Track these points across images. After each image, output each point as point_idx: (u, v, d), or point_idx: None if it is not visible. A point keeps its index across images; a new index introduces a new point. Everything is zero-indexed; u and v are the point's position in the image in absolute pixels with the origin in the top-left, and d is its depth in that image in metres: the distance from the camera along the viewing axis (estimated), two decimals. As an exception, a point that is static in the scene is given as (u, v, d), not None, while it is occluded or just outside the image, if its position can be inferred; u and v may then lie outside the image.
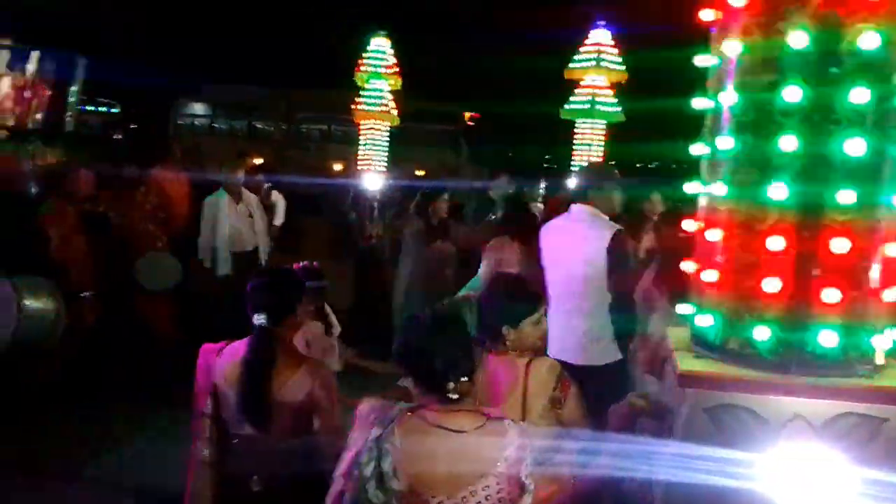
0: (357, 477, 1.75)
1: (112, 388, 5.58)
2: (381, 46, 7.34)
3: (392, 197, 7.08)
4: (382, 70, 7.28)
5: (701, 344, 2.34)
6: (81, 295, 5.46)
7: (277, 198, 7.43)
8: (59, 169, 6.43)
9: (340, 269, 6.39)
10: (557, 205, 5.42)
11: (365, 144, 7.75)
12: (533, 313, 2.37)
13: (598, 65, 7.15)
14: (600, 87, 7.31)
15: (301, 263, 3.53)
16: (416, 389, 1.91)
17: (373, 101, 7.53)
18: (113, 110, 20.71)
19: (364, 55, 7.41)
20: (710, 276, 2.28)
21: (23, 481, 4.08)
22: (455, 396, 1.81)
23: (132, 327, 6.28)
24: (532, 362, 2.32)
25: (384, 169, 7.52)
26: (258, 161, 8.29)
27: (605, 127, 7.53)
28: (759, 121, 2.13)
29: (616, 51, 7.23)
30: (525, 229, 4.51)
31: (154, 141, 11.74)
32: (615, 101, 7.41)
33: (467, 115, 15.95)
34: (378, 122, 7.60)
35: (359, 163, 7.74)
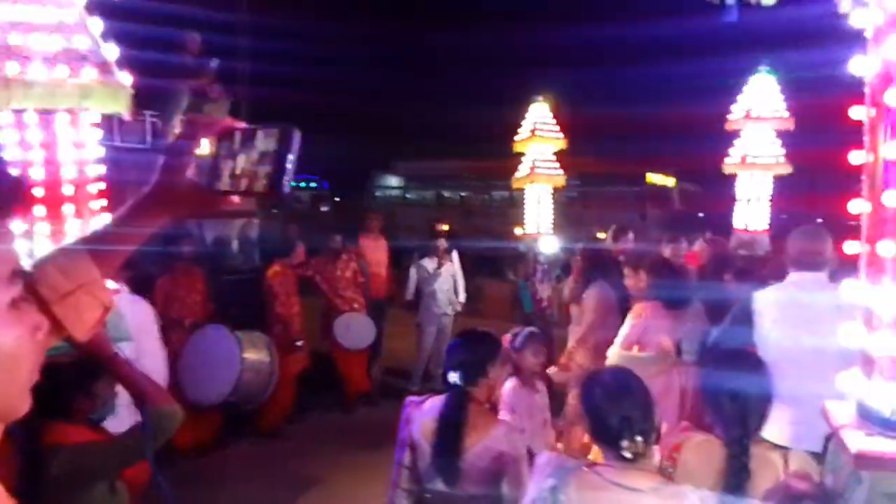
0: None
1: (315, 435, 6.13)
2: (539, 112, 7.44)
3: (558, 259, 7.08)
4: (541, 134, 7.35)
5: (871, 420, 2.08)
6: (297, 343, 6.14)
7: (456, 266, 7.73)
8: (278, 238, 7.30)
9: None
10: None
11: (529, 208, 7.79)
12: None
13: (750, 115, 6.85)
14: (759, 137, 6.93)
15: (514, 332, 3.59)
16: (594, 445, 1.94)
17: (530, 165, 7.58)
18: (321, 186, 23.13)
19: (522, 123, 7.57)
20: (881, 343, 2.03)
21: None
22: (628, 455, 1.81)
23: (333, 380, 6.90)
24: (789, 457, 2.09)
25: (552, 232, 7.50)
26: (445, 227, 8.69)
27: (769, 180, 7.06)
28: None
29: (776, 97, 6.86)
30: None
31: (354, 212, 12.88)
32: (779, 150, 6.97)
33: (650, 175, 15.61)
34: (539, 185, 7.62)
35: (526, 227, 7.79)
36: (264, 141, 1.09)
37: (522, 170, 7.59)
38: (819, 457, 2.31)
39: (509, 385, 3.53)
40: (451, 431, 2.50)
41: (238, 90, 9.47)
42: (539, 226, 7.58)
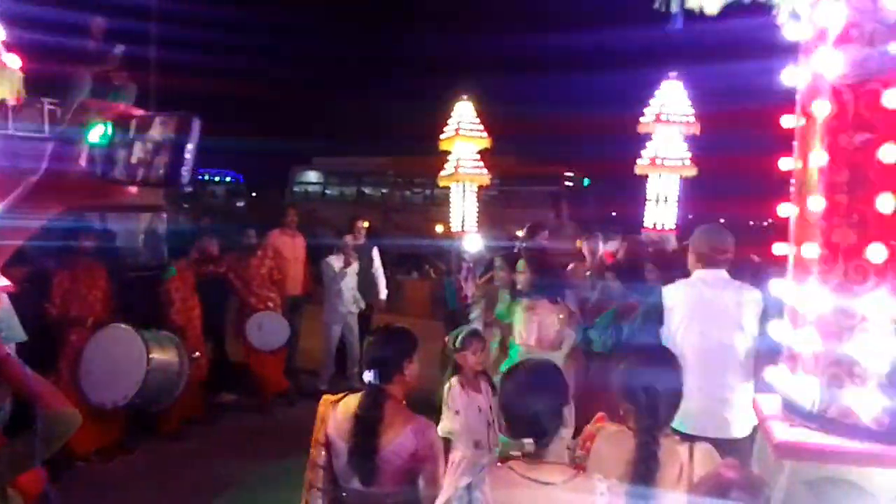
0: None
1: (228, 437, 5.95)
2: (463, 111, 7.50)
3: (483, 257, 7.18)
4: (466, 133, 7.42)
5: (795, 412, 2.23)
6: (193, 356, 5.87)
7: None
8: (188, 234, 7.01)
9: (437, 329, 6.50)
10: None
11: (454, 206, 7.86)
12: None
13: (660, 119, 7.17)
14: (668, 140, 7.28)
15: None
16: (511, 440, 1.98)
17: (455, 164, 7.63)
18: (237, 181, 22.42)
19: (448, 121, 7.60)
20: (805, 339, 2.20)
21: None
22: (531, 450, 1.86)
23: (245, 381, 6.71)
24: (694, 448, 2.14)
25: (476, 230, 7.59)
26: (365, 224, 8.56)
27: (676, 181, 7.43)
28: (854, 180, 2.07)
29: (684, 103, 7.22)
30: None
31: (271, 208, 12.56)
32: (686, 153, 7.36)
33: (566, 174, 16.00)
34: (464, 183, 7.69)
35: (451, 225, 7.85)
36: (161, 129, 1.02)
37: (447, 168, 7.64)
38: (721, 443, 2.42)
39: (454, 387, 3.53)
40: (367, 430, 2.48)
41: (147, 79, 9.02)
42: (463, 224, 7.66)
